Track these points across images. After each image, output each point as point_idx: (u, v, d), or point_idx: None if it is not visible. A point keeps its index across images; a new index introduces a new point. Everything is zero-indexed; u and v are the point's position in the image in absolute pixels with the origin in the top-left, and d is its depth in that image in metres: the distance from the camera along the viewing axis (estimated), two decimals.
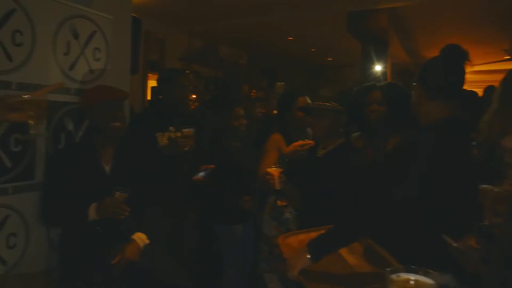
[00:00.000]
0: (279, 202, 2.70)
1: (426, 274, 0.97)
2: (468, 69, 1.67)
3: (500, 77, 1.43)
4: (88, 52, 2.51)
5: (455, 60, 1.66)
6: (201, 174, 2.72)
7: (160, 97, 2.97)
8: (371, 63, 6.30)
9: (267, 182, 2.32)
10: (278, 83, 7.58)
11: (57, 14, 2.31)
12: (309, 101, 2.82)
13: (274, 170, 2.33)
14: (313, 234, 1.73)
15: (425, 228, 1.55)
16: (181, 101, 2.85)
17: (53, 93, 2.28)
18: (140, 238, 2.17)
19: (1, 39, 2.03)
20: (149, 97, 5.35)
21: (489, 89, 4.81)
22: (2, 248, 2.11)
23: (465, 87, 1.73)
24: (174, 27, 5.84)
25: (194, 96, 6.43)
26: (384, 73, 6.46)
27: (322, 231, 1.71)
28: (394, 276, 0.98)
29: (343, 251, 1.79)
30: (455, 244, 1.30)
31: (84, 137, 2.45)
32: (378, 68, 6.38)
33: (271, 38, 7.31)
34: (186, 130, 2.61)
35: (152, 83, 5.46)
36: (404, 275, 0.98)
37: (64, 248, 2.26)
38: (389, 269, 0.99)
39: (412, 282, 0.96)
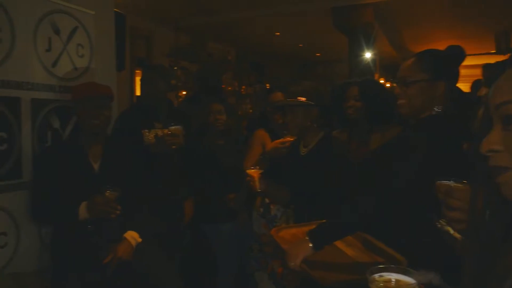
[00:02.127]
0: (266, 200, 2.69)
1: (407, 273, 0.96)
2: None
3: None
4: (71, 49, 2.49)
5: (459, 58, 1.68)
6: None
7: (144, 93, 2.93)
8: (358, 58, 6.33)
9: (247, 184, 2.27)
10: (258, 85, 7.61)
11: (36, 10, 2.27)
12: (282, 97, 2.75)
13: (254, 172, 2.23)
14: (305, 228, 1.73)
15: (417, 222, 1.55)
16: (163, 97, 2.81)
17: (38, 91, 2.28)
18: (133, 236, 2.15)
19: None
20: (137, 94, 5.34)
21: (476, 83, 4.89)
22: None
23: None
24: (160, 23, 5.80)
25: (184, 92, 6.41)
26: (373, 67, 6.51)
27: (314, 225, 1.71)
28: (376, 276, 0.97)
29: (340, 244, 1.80)
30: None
31: (71, 135, 2.44)
32: (366, 62, 6.43)
33: (259, 33, 7.31)
34: (173, 127, 2.54)
35: (139, 79, 5.42)
36: (386, 275, 0.97)
37: (56, 247, 2.24)
38: (369, 269, 0.99)
39: (393, 282, 0.96)
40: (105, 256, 2.07)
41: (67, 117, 2.47)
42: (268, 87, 8.16)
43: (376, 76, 6.75)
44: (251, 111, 7.21)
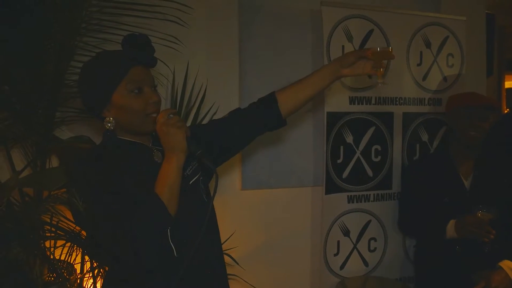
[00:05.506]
0: None
1: None
2: None
3: None
4: (441, 60, 2.43)
5: None
6: None
7: None
8: None
9: None
10: None
11: (409, 26, 2.34)
12: None
13: None
14: None
15: None
16: None
17: (409, 105, 2.35)
18: (510, 267, 1.88)
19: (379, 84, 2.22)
20: (504, 101, 4.75)
21: None
22: (364, 251, 2.31)
23: None
24: None
25: None
26: None
27: None
28: None
29: None
30: None
31: (439, 148, 2.38)
32: None
33: None
34: None
35: (508, 84, 4.81)
36: None
37: (420, 261, 2.23)
38: None
39: None
40: (474, 282, 1.89)
41: (434, 130, 2.43)
42: None
43: None
44: None
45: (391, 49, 1.30)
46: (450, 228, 1.95)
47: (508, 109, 4.73)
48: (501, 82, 4.66)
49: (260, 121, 1.34)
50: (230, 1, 2.21)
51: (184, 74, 1.96)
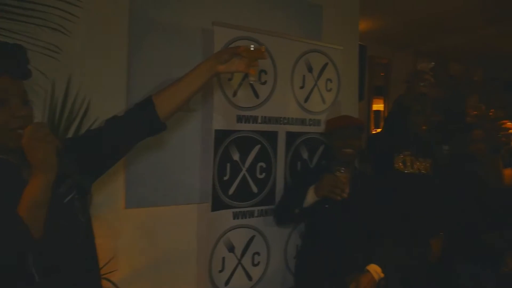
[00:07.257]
0: None
1: None
2: None
3: None
4: (321, 84, 2.63)
5: None
6: None
7: (390, 122, 2.87)
8: None
9: None
10: None
11: (294, 51, 2.50)
12: None
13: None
14: None
15: None
16: (413, 127, 2.67)
17: (291, 124, 2.50)
18: (376, 271, 2.10)
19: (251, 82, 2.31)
20: (373, 122, 5.35)
21: None
22: (248, 265, 2.37)
23: None
24: (399, 49, 5.67)
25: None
26: None
27: None
28: None
29: None
30: None
31: (318, 164, 2.58)
32: None
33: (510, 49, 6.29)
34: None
35: (376, 107, 5.43)
36: None
37: (299, 271, 2.37)
38: None
39: None
40: (347, 285, 2.08)
41: (314, 148, 2.62)
42: None
43: None
44: (503, 139, 6.23)
45: (264, 48, 1.34)
46: (310, 192, 2.09)
47: (376, 129, 5.32)
48: (370, 105, 5.25)
49: (137, 126, 1.28)
50: (120, 12, 2.10)
51: (65, 86, 1.82)
